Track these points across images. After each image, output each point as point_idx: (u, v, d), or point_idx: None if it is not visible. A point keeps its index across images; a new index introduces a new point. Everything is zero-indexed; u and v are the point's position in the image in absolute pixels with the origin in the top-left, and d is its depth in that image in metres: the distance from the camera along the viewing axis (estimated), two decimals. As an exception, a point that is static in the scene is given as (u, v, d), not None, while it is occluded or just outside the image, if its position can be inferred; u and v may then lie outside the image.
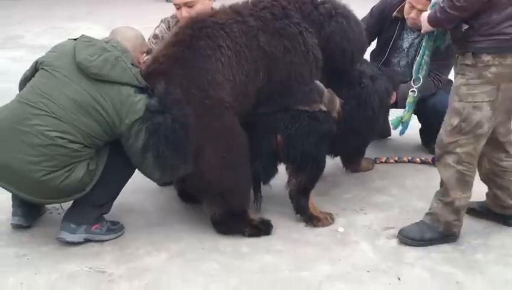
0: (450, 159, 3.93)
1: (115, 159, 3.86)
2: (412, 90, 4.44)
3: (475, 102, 3.81)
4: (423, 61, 4.32)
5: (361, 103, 4.41)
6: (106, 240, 4.01)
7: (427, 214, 4.08)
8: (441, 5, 3.78)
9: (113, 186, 3.97)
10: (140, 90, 3.78)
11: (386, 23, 5.17)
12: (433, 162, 5.03)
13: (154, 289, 3.59)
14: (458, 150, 3.89)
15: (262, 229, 4.15)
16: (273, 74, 4.08)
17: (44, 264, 3.78)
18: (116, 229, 4.08)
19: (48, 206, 4.34)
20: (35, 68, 3.90)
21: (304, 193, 4.22)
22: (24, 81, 4.00)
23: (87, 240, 3.96)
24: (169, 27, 4.78)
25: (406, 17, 4.75)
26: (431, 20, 3.94)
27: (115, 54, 3.78)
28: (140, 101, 3.73)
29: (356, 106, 4.38)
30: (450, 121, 3.90)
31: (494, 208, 4.27)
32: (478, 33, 3.72)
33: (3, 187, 3.81)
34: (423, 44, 4.29)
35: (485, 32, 3.71)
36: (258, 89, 4.07)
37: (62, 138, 3.65)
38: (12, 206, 4.11)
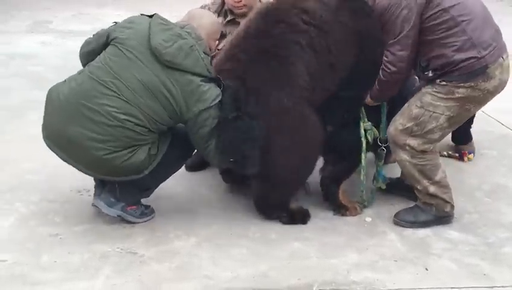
0: (403, 155, 4.01)
1: (172, 149, 3.88)
2: (381, 149, 4.33)
3: (434, 112, 3.90)
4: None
5: None
6: (137, 223, 4.06)
7: (418, 198, 4.15)
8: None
9: (163, 175, 4.00)
10: (210, 79, 3.76)
11: None
12: (461, 158, 5.06)
13: (184, 271, 3.64)
14: (408, 147, 3.96)
15: (299, 218, 4.18)
16: (361, 60, 4.05)
17: (77, 244, 3.85)
18: (148, 212, 4.13)
19: (79, 187, 4.39)
20: (106, 42, 3.86)
21: (337, 181, 4.25)
22: (88, 54, 3.96)
23: (119, 217, 4.01)
24: None
25: None
26: (375, 97, 4.05)
27: (190, 42, 3.75)
28: (209, 91, 3.72)
29: None
30: (403, 121, 3.97)
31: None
32: (438, 68, 3.86)
33: (62, 159, 3.82)
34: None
35: (443, 66, 3.84)
36: (347, 65, 4.03)
37: (130, 121, 3.66)
38: (95, 187, 4.11)
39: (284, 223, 4.14)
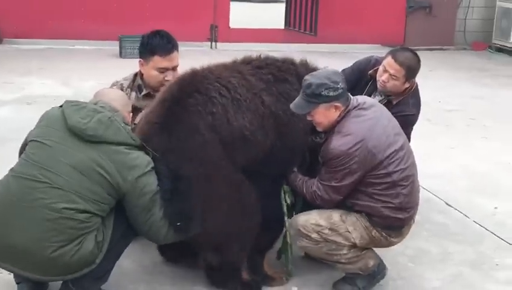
0: (305, 243, 4.07)
1: (118, 226, 3.75)
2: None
3: (350, 233, 4.00)
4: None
5: None
6: None
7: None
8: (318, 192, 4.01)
9: (114, 256, 3.82)
10: (136, 147, 3.73)
11: (362, 81, 5.13)
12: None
13: None
14: (309, 239, 4.02)
15: (254, 286, 4.16)
16: (283, 138, 4.09)
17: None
18: None
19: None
20: (26, 144, 3.79)
21: (261, 252, 4.25)
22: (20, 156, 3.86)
23: None
24: (122, 90, 4.68)
25: (377, 79, 4.83)
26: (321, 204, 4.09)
27: (107, 114, 3.72)
28: (138, 157, 3.68)
29: None
30: (318, 218, 4.02)
31: None
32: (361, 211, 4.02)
33: (7, 269, 3.69)
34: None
35: (366, 213, 3.99)
36: (263, 147, 4.03)
37: (69, 209, 3.52)
38: (17, 283, 3.86)
39: None
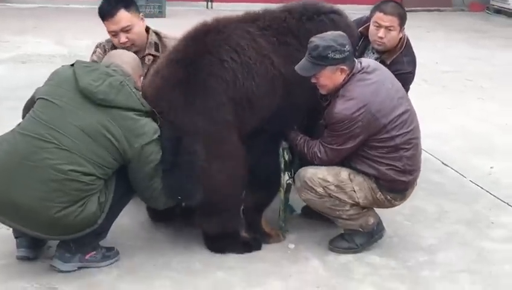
0: (310, 196, 4.07)
1: (118, 188, 3.76)
2: (289, 182, 4.31)
3: (356, 192, 4.03)
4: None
5: None
6: (101, 267, 3.92)
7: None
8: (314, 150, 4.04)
9: (114, 215, 3.84)
10: (146, 113, 3.72)
11: None
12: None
13: (106, 305, 3.58)
14: (315, 192, 4.04)
15: (253, 245, 4.19)
16: (289, 97, 4.08)
17: (-6, 281, 3.74)
18: (111, 255, 3.98)
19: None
20: (33, 100, 3.77)
21: (258, 209, 4.26)
22: (25, 113, 3.84)
23: (81, 268, 3.86)
24: (105, 51, 4.63)
25: (371, 39, 4.80)
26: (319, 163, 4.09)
27: (119, 78, 3.70)
28: (147, 125, 3.68)
29: None
30: (326, 174, 4.03)
31: None
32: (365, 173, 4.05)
33: (9, 226, 3.70)
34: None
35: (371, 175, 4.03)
36: (270, 107, 4.04)
37: (75, 171, 3.53)
38: (15, 237, 3.92)
39: (239, 252, 4.13)
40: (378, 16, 4.71)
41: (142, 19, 4.69)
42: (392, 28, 4.67)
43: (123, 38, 4.53)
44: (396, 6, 4.74)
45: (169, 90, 3.89)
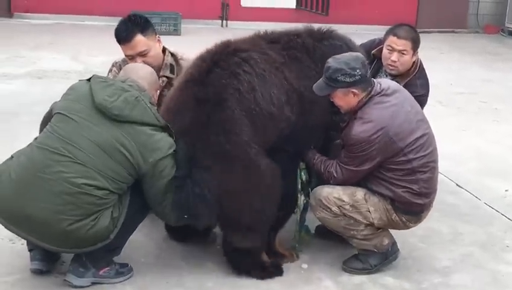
0: (324, 214, 4.06)
1: (133, 203, 3.76)
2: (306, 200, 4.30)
3: (371, 213, 4.02)
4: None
5: None
6: (115, 283, 3.92)
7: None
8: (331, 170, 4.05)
9: (128, 231, 3.85)
10: (161, 128, 3.73)
11: None
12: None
13: (118, 322, 3.58)
14: (330, 211, 4.03)
15: (275, 271, 4.14)
16: (306, 115, 4.06)
17: (7, 296, 3.74)
18: (125, 271, 3.98)
19: (11, 236, 4.24)
20: (51, 115, 3.80)
21: (273, 230, 4.23)
22: (43, 127, 3.87)
23: (94, 284, 3.86)
24: (120, 70, 4.53)
25: (384, 63, 4.80)
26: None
27: (134, 93, 3.71)
28: (162, 140, 3.69)
29: None
30: (341, 193, 4.02)
31: None
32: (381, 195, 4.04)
33: (22, 237, 3.71)
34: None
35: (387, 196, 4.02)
36: (288, 122, 4.00)
37: (89, 185, 3.54)
38: (29, 250, 3.93)
39: (261, 278, 4.07)
40: (392, 39, 4.72)
41: (158, 40, 4.70)
42: (405, 52, 4.68)
43: (139, 62, 4.53)
44: (409, 31, 4.75)
45: (183, 109, 3.89)
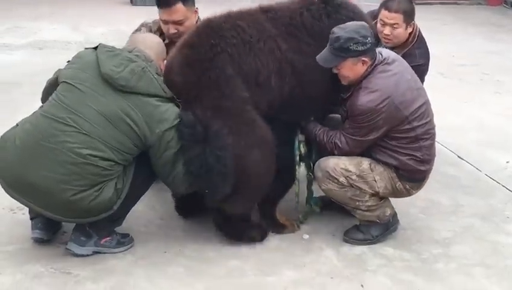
0: (331, 186, 4.05)
1: (137, 175, 3.77)
2: (309, 174, 4.33)
3: (377, 182, 4.04)
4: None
5: None
6: (115, 253, 3.95)
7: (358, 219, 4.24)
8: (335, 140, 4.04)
9: (131, 202, 3.86)
10: (167, 99, 3.72)
11: None
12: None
13: (120, 291, 3.59)
14: (337, 181, 4.02)
15: (266, 230, 4.21)
16: (303, 87, 4.04)
17: (8, 265, 3.77)
18: (126, 241, 4.01)
19: (12, 206, 4.27)
20: (56, 83, 3.77)
21: (273, 200, 4.25)
22: (46, 94, 3.87)
23: (96, 253, 3.89)
24: (150, 32, 4.63)
25: (379, 36, 4.75)
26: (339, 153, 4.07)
27: (141, 64, 3.69)
28: (168, 110, 3.68)
29: None
30: (348, 164, 4.02)
31: None
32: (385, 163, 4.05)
33: (27, 205, 3.72)
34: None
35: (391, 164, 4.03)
36: (279, 92, 3.98)
37: (94, 156, 3.54)
38: (31, 219, 3.96)
39: (258, 240, 4.15)
40: (383, 13, 4.72)
41: (196, 11, 4.68)
42: (396, 26, 4.66)
43: (172, 29, 4.54)
44: (401, 3, 4.69)
45: (180, 70, 3.88)
